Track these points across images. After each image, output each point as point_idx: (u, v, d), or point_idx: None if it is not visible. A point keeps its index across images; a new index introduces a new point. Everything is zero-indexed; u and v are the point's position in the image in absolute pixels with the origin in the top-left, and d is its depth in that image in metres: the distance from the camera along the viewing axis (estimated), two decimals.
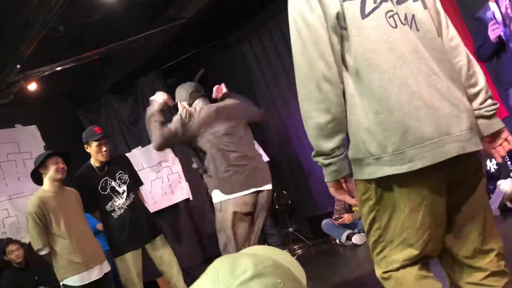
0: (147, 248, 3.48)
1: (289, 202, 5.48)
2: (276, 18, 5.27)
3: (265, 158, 4.46)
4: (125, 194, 3.44)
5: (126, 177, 3.51)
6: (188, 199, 5.49)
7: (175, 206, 5.54)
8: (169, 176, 5.54)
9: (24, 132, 5.37)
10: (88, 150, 3.43)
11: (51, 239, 3.11)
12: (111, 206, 3.42)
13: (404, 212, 1.25)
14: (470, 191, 1.30)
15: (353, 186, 1.35)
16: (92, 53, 4.32)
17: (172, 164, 5.52)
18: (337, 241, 4.69)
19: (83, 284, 3.10)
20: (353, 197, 1.41)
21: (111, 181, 3.44)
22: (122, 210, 3.43)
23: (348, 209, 4.83)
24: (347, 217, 4.63)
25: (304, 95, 1.27)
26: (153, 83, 5.67)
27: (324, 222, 4.76)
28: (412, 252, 1.29)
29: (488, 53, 3.02)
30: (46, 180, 3.20)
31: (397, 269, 1.31)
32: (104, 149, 3.39)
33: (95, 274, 3.18)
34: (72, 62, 4.28)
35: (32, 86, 4.26)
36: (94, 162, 3.46)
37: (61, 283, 3.12)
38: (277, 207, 5.39)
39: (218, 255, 1.04)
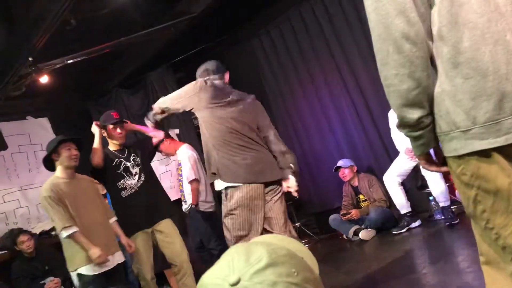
0: (157, 236, 3.47)
1: (296, 197, 5.47)
2: (286, 13, 5.27)
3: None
4: (137, 176, 3.48)
5: (138, 160, 3.55)
6: None
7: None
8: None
9: (35, 124, 5.44)
10: (104, 134, 3.48)
11: None
12: (123, 184, 3.44)
13: (508, 189, 1.06)
14: None
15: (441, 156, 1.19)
16: (103, 46, 4.35)
17: None
18: (344, 236, 4.70)
19: (98, 273, 3.00)
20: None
21: (126, 162, 3.50)
22: (132, 190, 3.46)
23: (356, 204, 4.84)
24: (354, 213, 4.63)
25: (381, 60, 1.09)
26: (162, 77, 5.71)
27: (331, 217, 4.77)
28: None
29: None
30: (59, 167, 3.11)
31: None
32: (119, 131, 3.47)
33: (109, 263, 3.07)
34: (83, 55, 4.31)
35: (44, 79, 4.30)
36: (111, 146, 3.54)
37: (75, 272, 3.01)
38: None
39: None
